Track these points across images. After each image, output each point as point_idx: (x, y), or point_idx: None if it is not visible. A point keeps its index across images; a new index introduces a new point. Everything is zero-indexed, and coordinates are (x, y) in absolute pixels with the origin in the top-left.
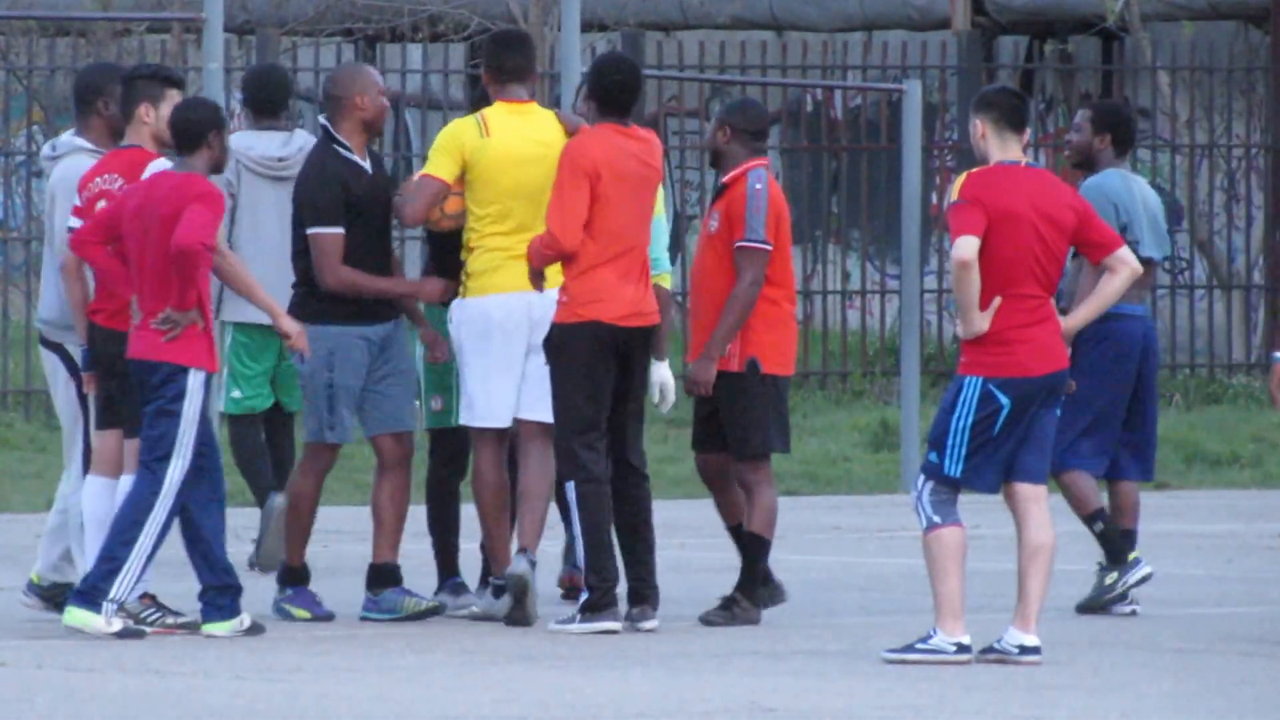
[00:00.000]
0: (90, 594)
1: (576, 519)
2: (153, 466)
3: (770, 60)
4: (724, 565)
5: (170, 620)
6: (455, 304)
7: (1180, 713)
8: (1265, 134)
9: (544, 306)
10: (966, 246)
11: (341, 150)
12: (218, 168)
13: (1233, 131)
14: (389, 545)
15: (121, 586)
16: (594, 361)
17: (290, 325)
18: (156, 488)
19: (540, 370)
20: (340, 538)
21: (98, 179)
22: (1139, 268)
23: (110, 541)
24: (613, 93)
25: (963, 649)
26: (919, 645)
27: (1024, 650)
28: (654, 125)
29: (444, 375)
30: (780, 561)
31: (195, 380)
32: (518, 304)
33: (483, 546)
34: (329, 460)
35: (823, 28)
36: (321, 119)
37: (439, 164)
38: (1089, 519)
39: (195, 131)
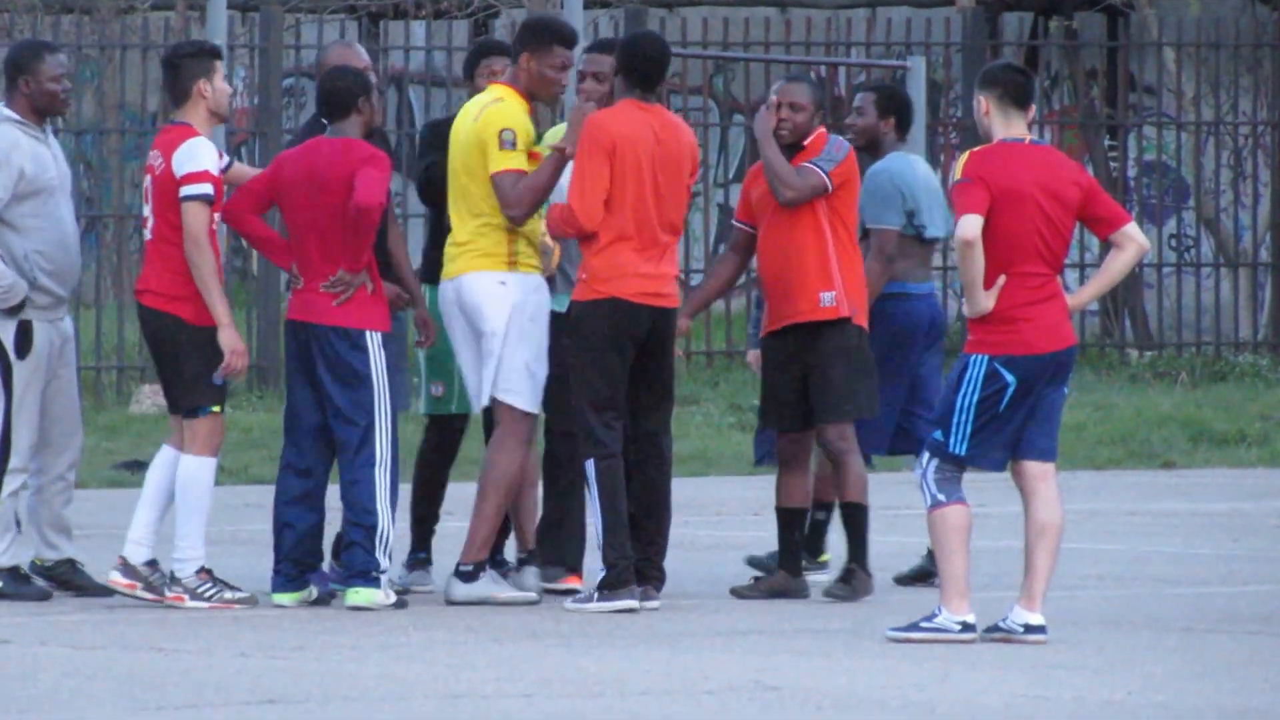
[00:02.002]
0: (364, 574)
1: (595, 496)
2: (359, 445)
3: (774, 37)
4: (727, 544)
5: (228, 595)
6: None
7: (1186, 692)
8: (1272, 111)
9: (457, 292)
10: (970, 225)
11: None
12: (370, 131)
13: (1239, 108)
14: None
15: (386, 556)
16: (612, 339)
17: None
18: (372, 453)
19: (483, 354)
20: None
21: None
22: (1146, 244)
23: (359, 514)
24: (641, 66)
25: (967, 628)
26: (923, 624)
27: (1029, 629)
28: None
29: (445, 360)
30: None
31: (374, 341)
32: (445, 293)
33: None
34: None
35: (826, 4)
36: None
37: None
38: (818, 506)
39: (345, 99)
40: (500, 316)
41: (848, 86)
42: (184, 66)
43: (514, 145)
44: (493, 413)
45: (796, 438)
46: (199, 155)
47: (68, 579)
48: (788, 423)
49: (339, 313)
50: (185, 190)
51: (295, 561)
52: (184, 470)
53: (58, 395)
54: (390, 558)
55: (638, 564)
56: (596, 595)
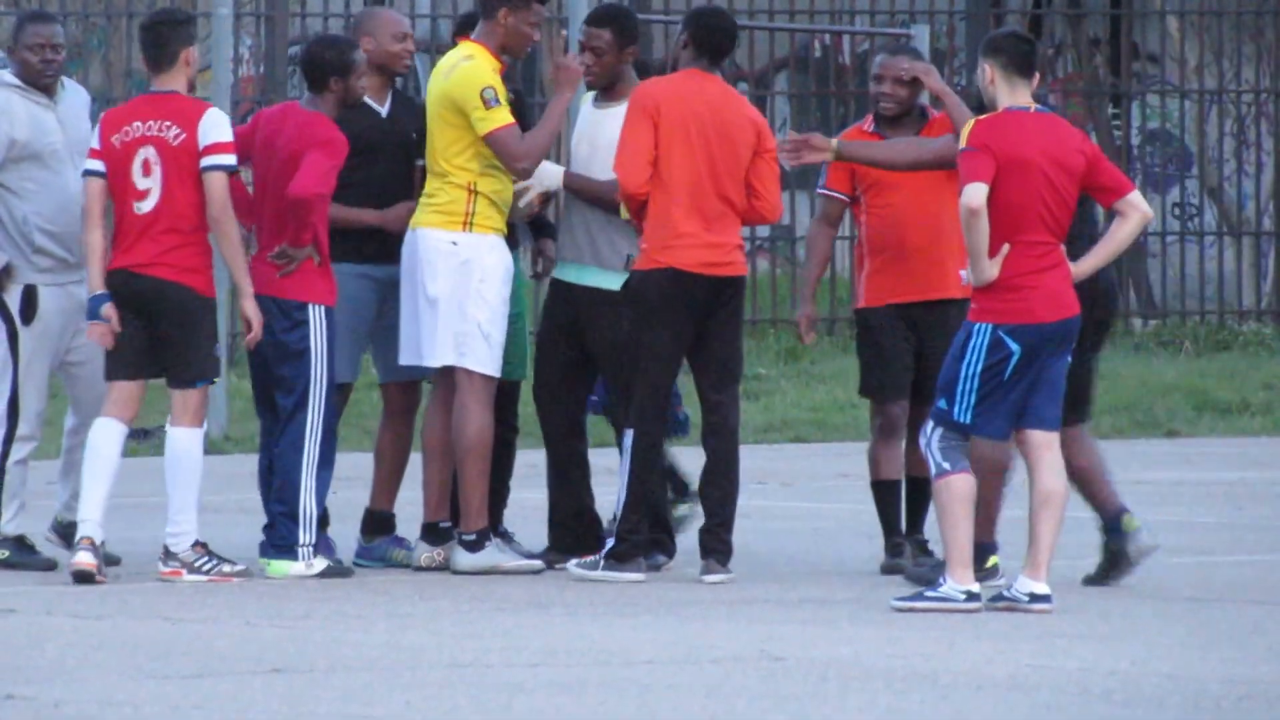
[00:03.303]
0: (282, 545)
1: (626, 466)
2: (292, 413)
3: (779, 5)
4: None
5: (226, 568)
6: None
7: (1192, 661)
8: (1275, 79)
9: (413, 245)
10: (975, 193)
11: None
12: (350, 105)
13: (1242, 77)
14: (386, 493)
15: (307, 529)
16: (667, 309)
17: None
18: (301, 430)
19: (424, 312)
20: (350, 484)
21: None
22: (1149, 212)
23: (281, 492)
24: (709, 38)
25: (972, 597)
26: (928, 593)
27: (1034, 598)
28: (661, 72)
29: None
30: (789, 509)
31: (315, 314)
32: (408, 242)
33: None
34: (336, 403)
35: None
36: None
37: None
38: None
39: (319, 73)
40: (449, 279)
41: (852, 55)
42: (174, 34)
43: (498, 101)
44: (450, 378)
45: (905, 407)
46: (223, 126)
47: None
48: (902, 393)
49: (281, 284)
50: (213, 159)
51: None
52: (178, 443)
53: (86, 361)
54: (313, 530)
55: (703, 537)
56: (603, 564)
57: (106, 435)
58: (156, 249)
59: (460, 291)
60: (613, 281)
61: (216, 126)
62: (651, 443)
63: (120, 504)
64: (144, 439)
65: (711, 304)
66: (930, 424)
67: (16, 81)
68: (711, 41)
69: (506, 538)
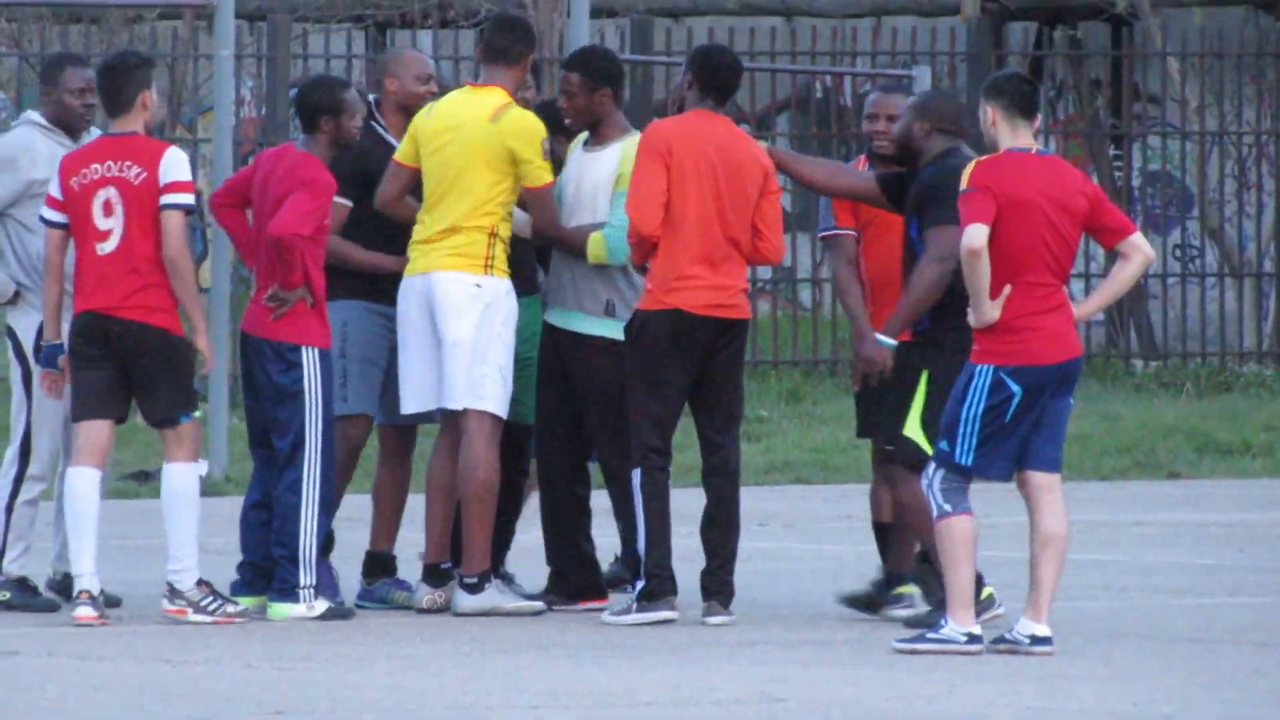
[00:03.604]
0: (284, 587)
1: (638, 506)
2: (290, 455)
3: (780, 46)
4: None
5: (231, 609)
6: None
7: (1193, 704)
8: (1276, 120)
9: (428, 288)
10: (976, 234)
11: (377, 127)
12: (343, 146)
13: (1243, 118)
14: (386, 535)
15: (307, 571)
16: (671, 350)
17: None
18: (299, 472)
19: (445, 353)
20: (350, 525)
21: (93, 167)
22: (1152, 254)
23: (279, 533)
24: (714, 78)
25: (974, 639)
26: (930, 635)
27: (1036, 640)
28: (662, 112)
29: None
30: (790, 550)
31: (309, 356)
32: (412, 288)
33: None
34: (355, 436)
35: (832, 13)
36: (372, 96)
37: (403, 147)
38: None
39: (311, 113)
40: (473, 321)
41: (853, 97)
42: (130, 76)
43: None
44: (457, 419)
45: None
46: (183, 165)
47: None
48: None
49: (275, 326)
50: (171, 199)
51: (254, 565)
52: (175, 479)
53: None
54: (313, 572)
55: (704, 579)
56: (635, 606)
57: (83, 485)
58: (122, 290)
59: (484, 334)
60: (594, 327)
61: (176, 166)
62: (656, 479)
63: (121, 545)
64: (145, 481)
65: (714, 346)
66: (932, 465)
67: (43, 121)
68: (716, 80)
69: (507, 579)
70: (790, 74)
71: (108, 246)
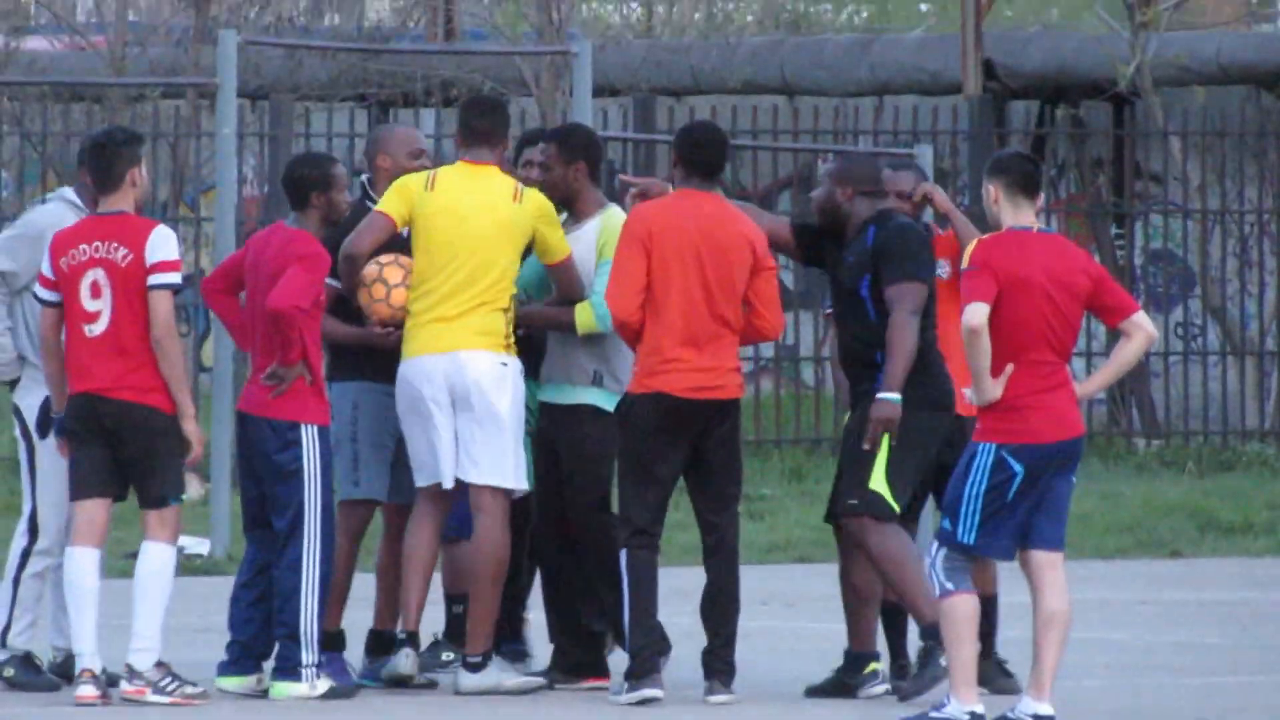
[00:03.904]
0: (285, 666)
1: (625, 584)
2: (289, 534)
3: (782, 125)
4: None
5: (189, 689)
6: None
7: None
8: (1277, 199)
9: (457, 367)
10: (976, 313)
11: (370, 204)
12: (333, 222)
13: (1245, 197)
14: (390, 613)
15: (309, 650)
16: (657, 432)
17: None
18: (299, 550)
19: (475, 433)
20: (353, 604)
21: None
22: (1154, 333)
23: (280, 613)
24: (694, 154)
25: (976, 717)
26: (933, 713)
27: (1038, 719)
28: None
29: None
30: (793, 629)
31: (308, 434)
32: (431, 366)
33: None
34: (362, 520)
35: (834, 92)
36: (364, 175)
37: (389, 202)
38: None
39: (301, 190)
40: (507, 400)
41: None
42: (119, 153)
43: None
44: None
45: (915, 529)
46: (170, 244)
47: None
48: (914, 514)
49: (273, 405)
50: (158, 279)
51: (242, 645)
52: (153, 559)
53: None
54: (315, 650)
55: (706, 658)
56: (625, 686)
57: (83, 565)
58: (113, 372)
59: (515, 412)
60: (582, 396)
61: (163, 245)
62: (643, 557)
63: (122, 625)
64: None
65: (705, 427)
66: (934, 544)
67: (76, 200)
68: (698, 157)
69: (521, 655)
70: (792, 152)
71: (96, 328)
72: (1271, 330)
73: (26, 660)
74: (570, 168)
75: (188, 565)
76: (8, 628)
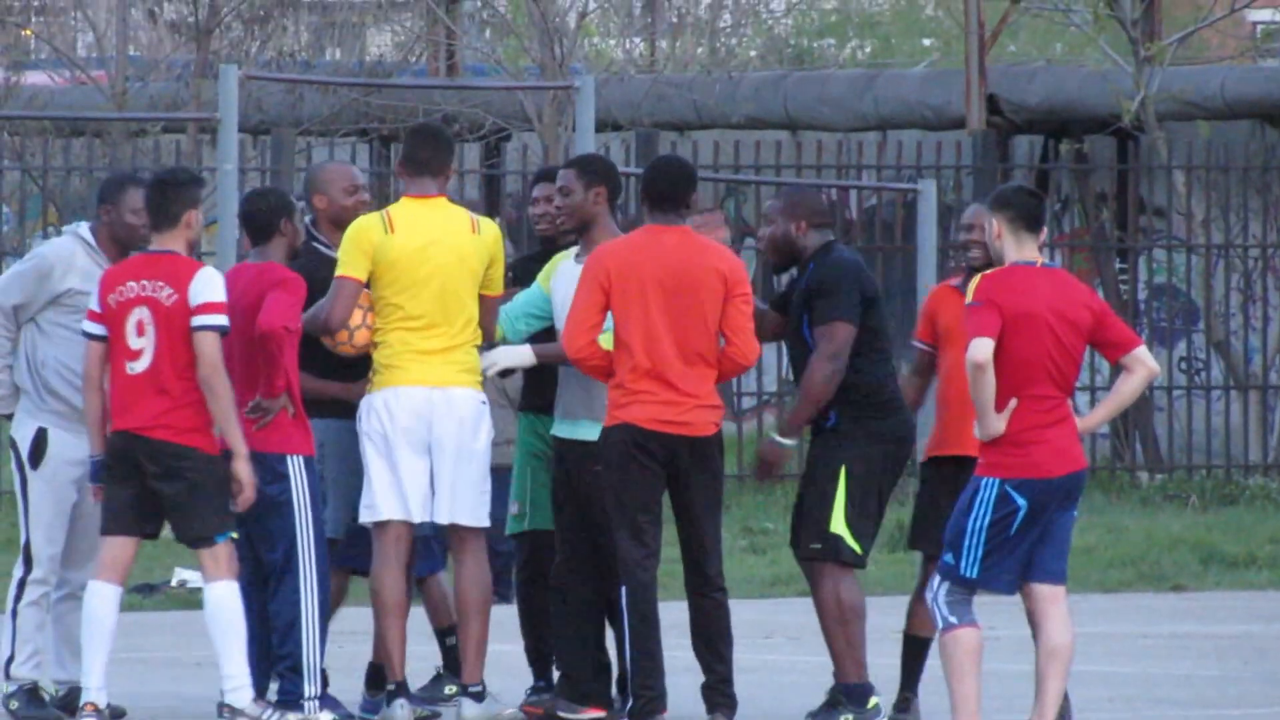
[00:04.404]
0: (287, 699)
1: (625, 622)
2: (284, 566)
3: (785, 160)
4: (740, 667)
5: (293, 716)
6: (363, 400)
7: None
8: None
9: (447, 403)
10: (981, 348)
11: (319, 246)
12: (294, 253)
13: (1249, 231)
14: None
15: (311, 682)
16: (629, 464)
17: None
18: (296, 582)
19: (458, 471)
20: (354, 638)
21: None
22: (1156, 368)
23: (280, 646)
24: (654, 188)
25: None
26: None
27: None
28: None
29: (521, 478)
30: (796, 663)
31: (295, 465)
32: (419, 398)
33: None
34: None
35: (837, 128)
36: (308, 216)
37: (349, 262)
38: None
39: (266, 220)
40: (484, 438)
41: (859, 209)
42: (180, 194)
43: None
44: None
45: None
46: (216, 286)
47: (78, 706)
48: (938, 547)
49: (258, 438)
50: (203, 319)
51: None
52: (218, 599)
53: (86, 513)
54: (317, 682)
55: (706, 693)
56: None
57: (103, 601)
58: (154, 411)
59: (488, 450)
60: (598, 432)
61: (208, 286)
62: (640, 593)
63: (124, 659)
64: (149, 594)
65: (678, 465)
66: (937, 578)
67: (89, 238)
68: (659, 190)
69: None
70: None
71: (139, 366)
72: (1275, 364)
73: (32, 693)
74: (590, 191)
75: (189, 599)
76: (11, 660)
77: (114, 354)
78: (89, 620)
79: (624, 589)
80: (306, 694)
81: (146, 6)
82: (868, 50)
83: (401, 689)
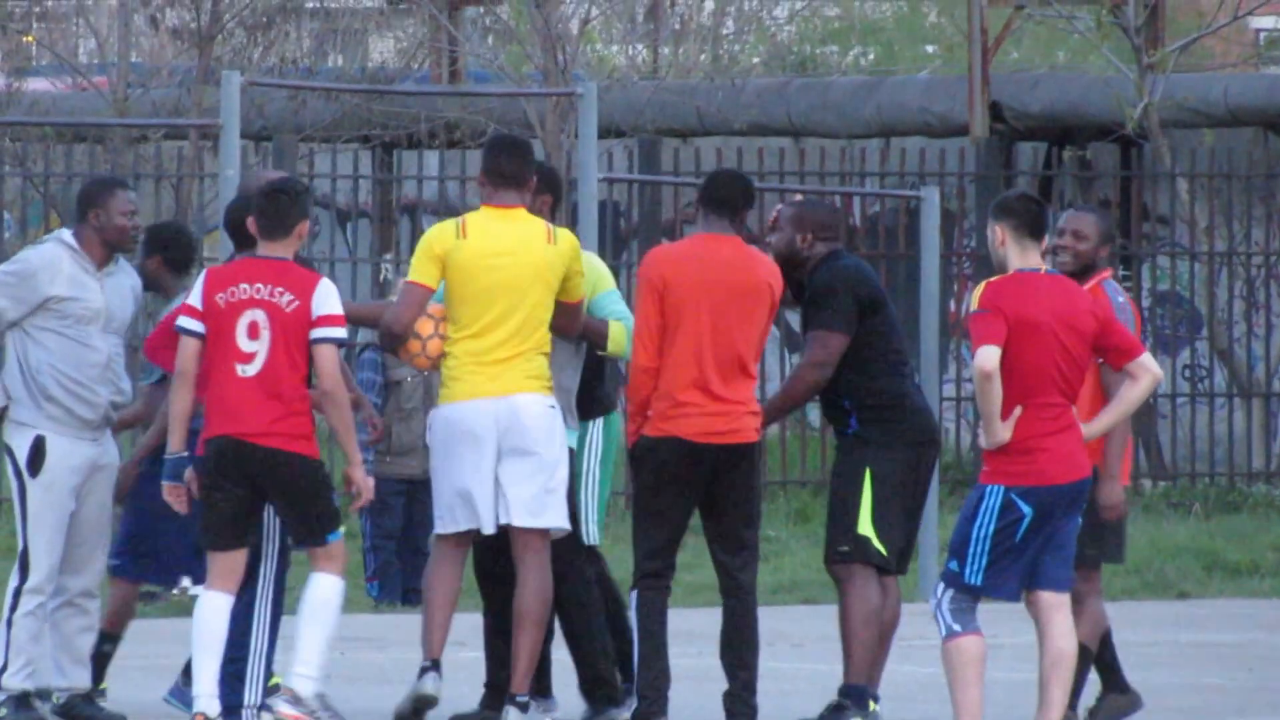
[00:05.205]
0: (229, 708)
1: (634, 626)
2: (246, 576)
3: (788, 167)
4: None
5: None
6: (432, 412)
7: None
8: None
9: (511, 411)
10: (988, 356)
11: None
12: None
13: (1252, 239)
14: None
15: (253, 690)
16: (670, 477)
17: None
18: (252, 594)
19: (524, 475)
20: (357, 645)
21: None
22: (1160, 374)
23: (228, 649)
24: (715, 193)
25: None
26: None
27: None
28: (671, 232)
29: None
30: (799, 671)
31: None
32: (484, 410)
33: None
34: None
35: (840, 134)
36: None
37: (420, 269)
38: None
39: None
40: (557, 442)
41: (863, 216)
42: (295, 203)
43: None
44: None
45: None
46: (335, 298)
47: (78, 714)
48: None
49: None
50: (324, 332)
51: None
52: (320, 588)
53: (83, 519)
54: (259, 693)
55: (727, 701)
56: None
57: (214, 611)
58: (266, 417)
59: (562, 455)
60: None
61: (329, 298)
62: (652, 599)
63: (125, 666)
64: (150, 601)
65: (718, 471)
66: (941, 585)
67: (73, 243)
68: (717, 197)
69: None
70: (799, 194)
71: (250, 370)
72: (1278, 372)
73: (22, 701)
74: (537, 199)
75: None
76: (3, 669)
77: (217, 354)
78: (199, 628)
79: (635, 595)
80: (246, 702)
81: (148, 13)
82: (871, 57)
83: (435, 665)
